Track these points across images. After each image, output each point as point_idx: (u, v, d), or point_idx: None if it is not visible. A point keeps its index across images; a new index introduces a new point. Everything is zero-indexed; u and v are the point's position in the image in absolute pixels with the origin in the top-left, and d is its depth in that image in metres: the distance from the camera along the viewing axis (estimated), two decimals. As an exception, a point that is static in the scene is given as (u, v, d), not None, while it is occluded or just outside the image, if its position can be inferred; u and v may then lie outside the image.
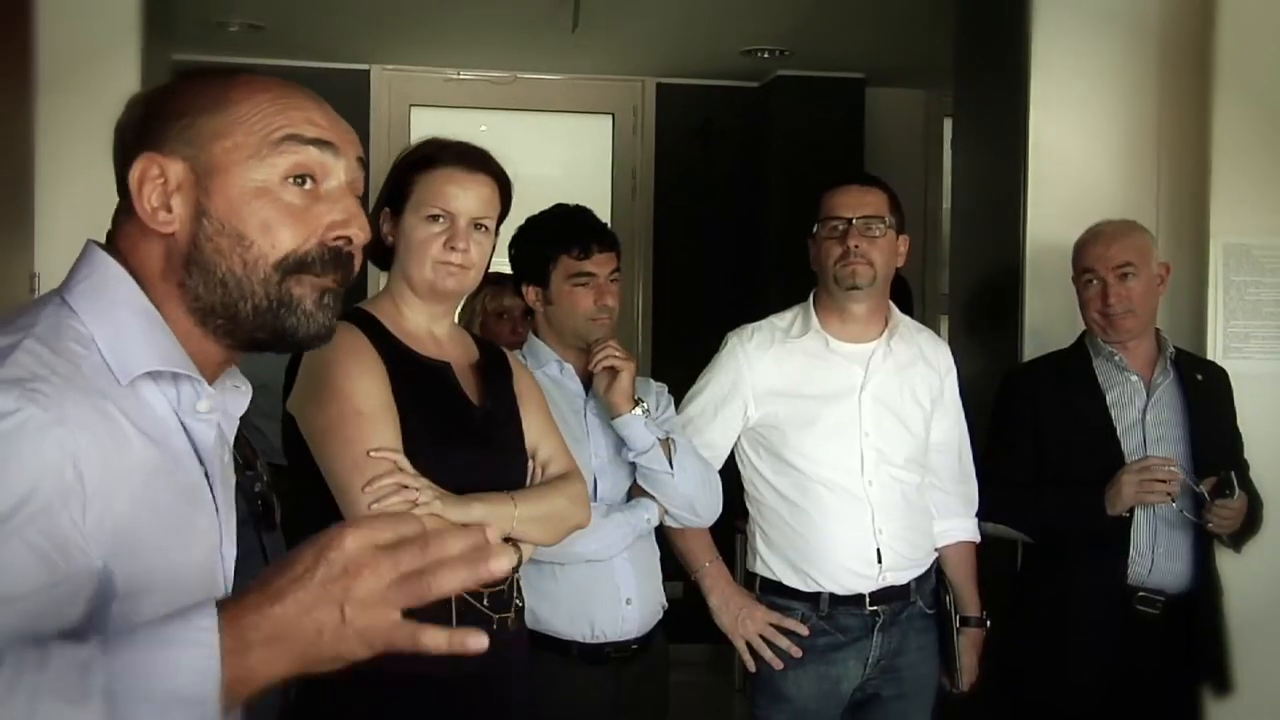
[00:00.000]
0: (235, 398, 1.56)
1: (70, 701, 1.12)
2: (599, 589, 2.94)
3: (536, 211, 3.10)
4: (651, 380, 3.22)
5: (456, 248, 2.44)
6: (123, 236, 1.46)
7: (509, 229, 2.91)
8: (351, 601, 1.18)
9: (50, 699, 1.12)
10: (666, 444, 2.97)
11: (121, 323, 1.40)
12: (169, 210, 1.43)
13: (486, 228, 2.50)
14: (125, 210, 1.46)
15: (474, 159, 2.50)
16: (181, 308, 1.45)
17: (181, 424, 1.44)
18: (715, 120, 6.95)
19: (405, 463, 2.31)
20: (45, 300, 1.43)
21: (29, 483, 1.24)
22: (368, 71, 6.59)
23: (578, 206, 3.11)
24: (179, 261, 1.44)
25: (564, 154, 7.17)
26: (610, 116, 7.09)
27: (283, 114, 1.45)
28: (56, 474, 1.26)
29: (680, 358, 3.95)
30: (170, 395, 1.43)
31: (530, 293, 3.06)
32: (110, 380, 1.37)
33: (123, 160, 1.46)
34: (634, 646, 3.00)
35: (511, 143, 6.60)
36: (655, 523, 3.03)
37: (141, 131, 1.45)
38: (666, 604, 3.12)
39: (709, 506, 3.07)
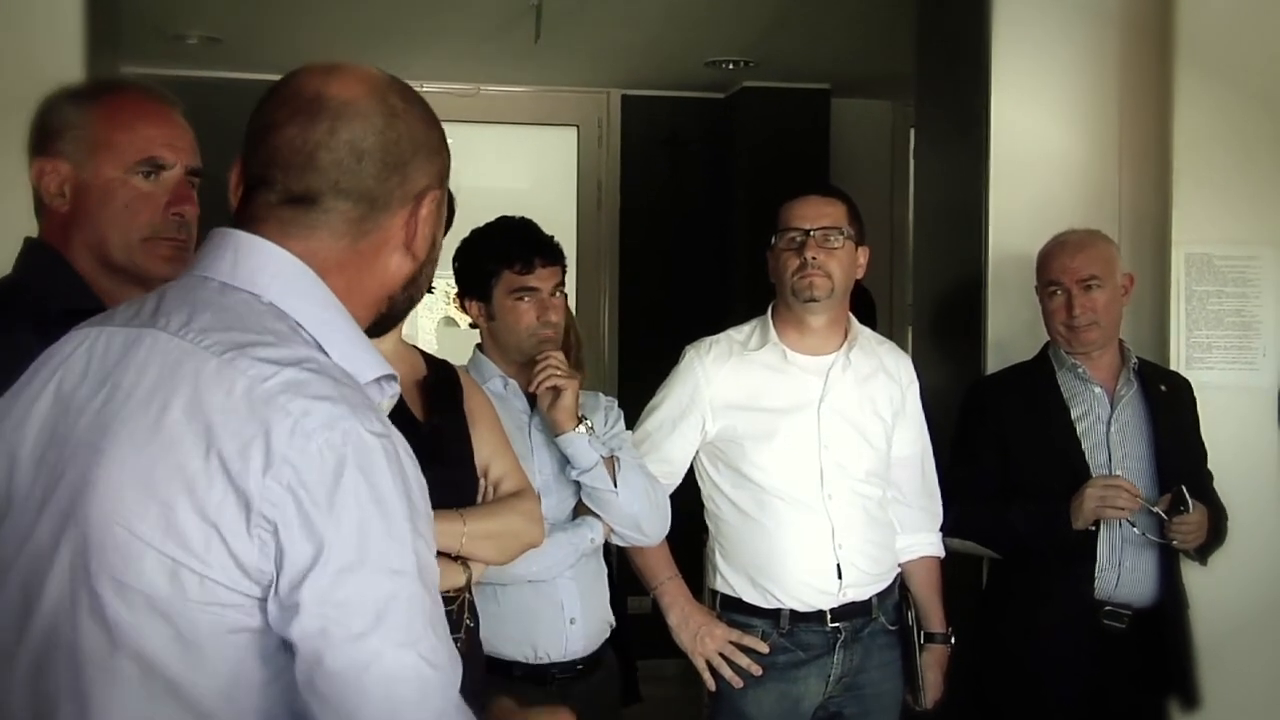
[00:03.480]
0: None
1: None
2: (542, 609, 2.90)
3: (498, 226, 3.06)
4: (601, 395, 3.18)
5: None
6: (320, 230, 1.48)
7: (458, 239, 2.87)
8: None
9: None
10: (611, 462, 2.93)
11: (340, 330, 1.47)
12: (425, 239, 1.57)
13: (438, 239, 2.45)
14: (355, 211, 1.49)
15: None
16: (373, 311, 1.56)
17: None
18: (681, 131, 6.93)
19: None
20: (217, 289, 1.45)
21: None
22: (329, 84, 6.53)
23: (522, 219, 3.06)
24: (403, 279, 1.56)
25: (529, 166, 7.16)
26: (575, 128, 7.07)
27: None
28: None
29: (647, 370, 3.91)
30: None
31: (473, 308, 3.02)
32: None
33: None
34: (579, 667, 2.95)
35: (476, 156, 6.57)
36: (600, 541, 2.99)
37: (411, 157, 1.53)
38: (614, 622, 3.08)
39: (654, 525, 3.03)
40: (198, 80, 5.91)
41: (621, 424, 3.12)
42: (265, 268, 1.46)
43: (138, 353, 1.41)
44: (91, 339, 1.48)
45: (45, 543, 1.38)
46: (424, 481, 1.43)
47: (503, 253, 2.96)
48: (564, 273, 3.03)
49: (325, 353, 1.44)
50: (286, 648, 1.36)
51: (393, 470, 1.37)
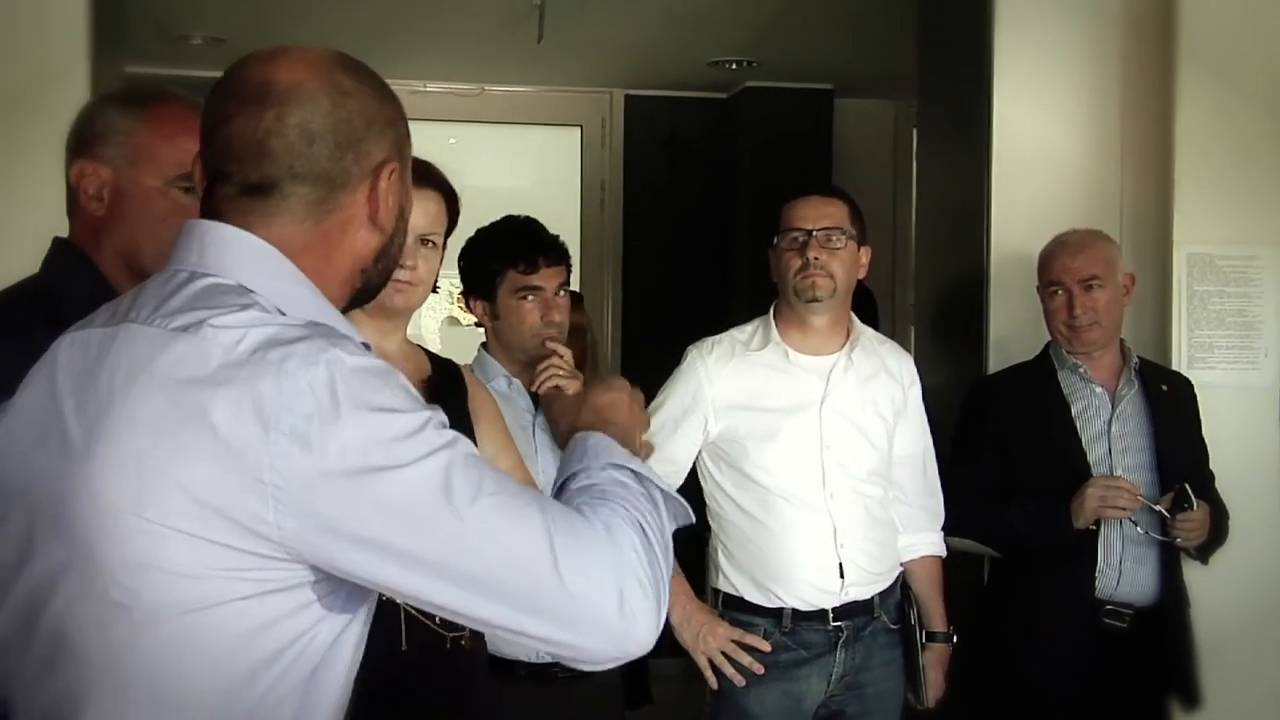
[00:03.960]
0: None
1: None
2: None
3: (502, 224, 3.07)
4: None
5: (405, 264, 2.40)
6: (282, 215, 1.50)
7: (464, 239, 2.88)
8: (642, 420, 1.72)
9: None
10: None
11: (303, 301, 1.48)
12: (390, 210, 1.58)
13: (434, 243, 2.46)
14: (314, 193, 1.50)
15: (421, 174, 2.46)
16: (346, 287, 1.57)
17: None
18: (683, 131, 6.95)
19: None
20: (185, 279, 1.47)
21: None
22: (332, 84, 6.55)
23: (527, 218, 3.07)
24: (373, 252, 1.58)
25: (532, 166, 7.18)
26: (578, 128, 7.09)
27: None
28: None
29: (650, 369, 3.90)
30: None
31: (477, 307, 3.03)
32: None
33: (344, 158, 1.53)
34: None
35: (479, 155, 6.58)
36: None
37: (364, 133, 1.53)
38: None
39: None
40: (202, 80, 5.80)
41: None
42: (230, 252, 1.48)
43: (114, 348, 1.43)
44: (77, 342, 1.50)
45: (50, 545, 1.40)
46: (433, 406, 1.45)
47: (507, 252, 2.97)
48: (569, 272, 3.04)
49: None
50: (306, 608, 1.39)
51: (385, 380, 1.39)
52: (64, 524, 1.39)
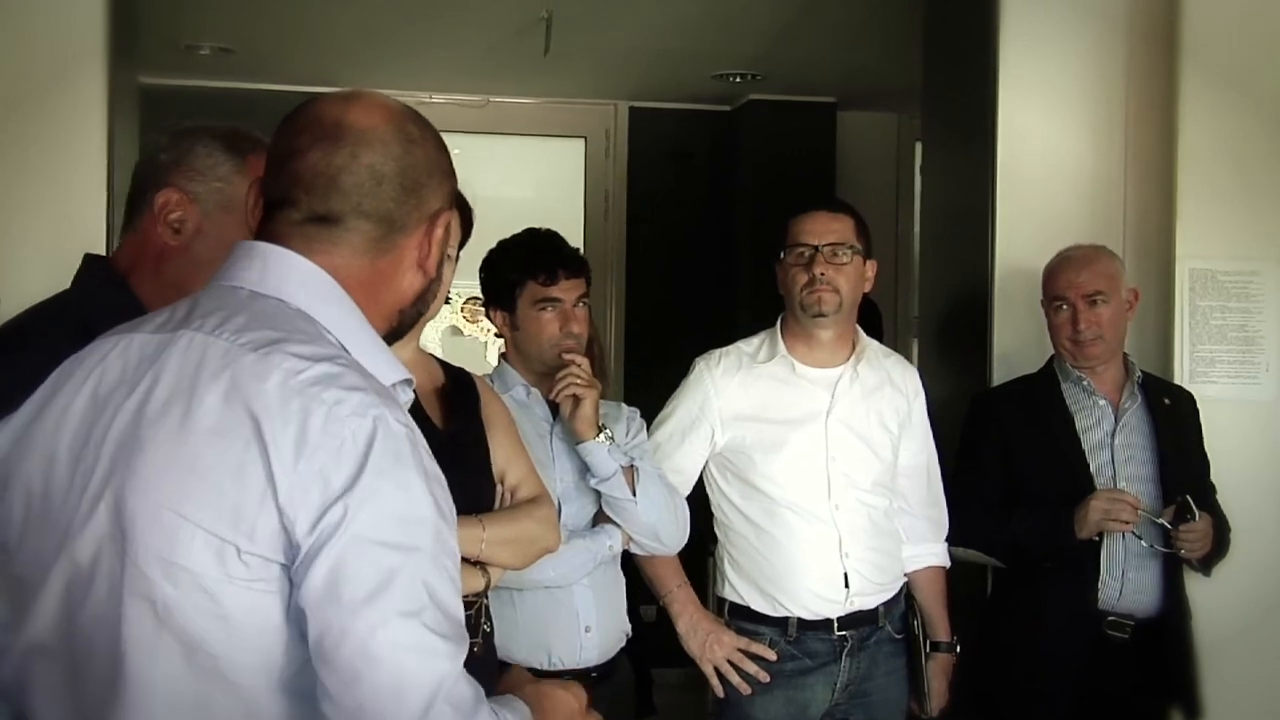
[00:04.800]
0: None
1: None
2: (557, 616, 2.91)
3: (507, 235, 3.09)
4: (624, 405, 3.21)
5: None
6: (340, 248, 1.56)
7: (478, 251, 2.90)
8: None
9: None
10: (630, 471, 2.96)
11: (362, 335, 1.55)
12: (437, 256, 1.65)
13: (449, 256, 2.49)
14: (375, 231, 1.57)
15: None
16: (387, 323, 1.63)
17: None
18: (687, 143, 6.97)
19: None
20: (246, 296, 1.52)
21: None
22: (339, 95, 6.57)
23: (548, 231, 3.09)
24: (414, 294, 1.65)
25: (536, 177, 7.19)
26: (583, 140, 7.11)
27: None
28: None
29: (652, 381, 3.94)
30: None
31: (497, 317, 3.05)
32: None
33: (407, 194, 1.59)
34: (594, 675, 2.95)
35: (484, 166, 6.60)
36: (618, 550, 3.01)
37: (426, 181, 1.61)
38: (630, 631, 3.10)
39: (673, 534, 3.05)
40: (210, 90, 5.97)
41: (644, 434, 3.15)
42: (292, 277, 1.53)
43: (174, 351, 1.48)
44: (124, 344, 1.53)
45: (88, 536, 1.44)
46: (444, 480, 1.50)
47: (527, 264, 2.99)
48: (588, 284, 3.06)
49: (350, 356, 1.51)
50: None
51: (416, 457, 1.45)
52: (101, 518, 1.43)
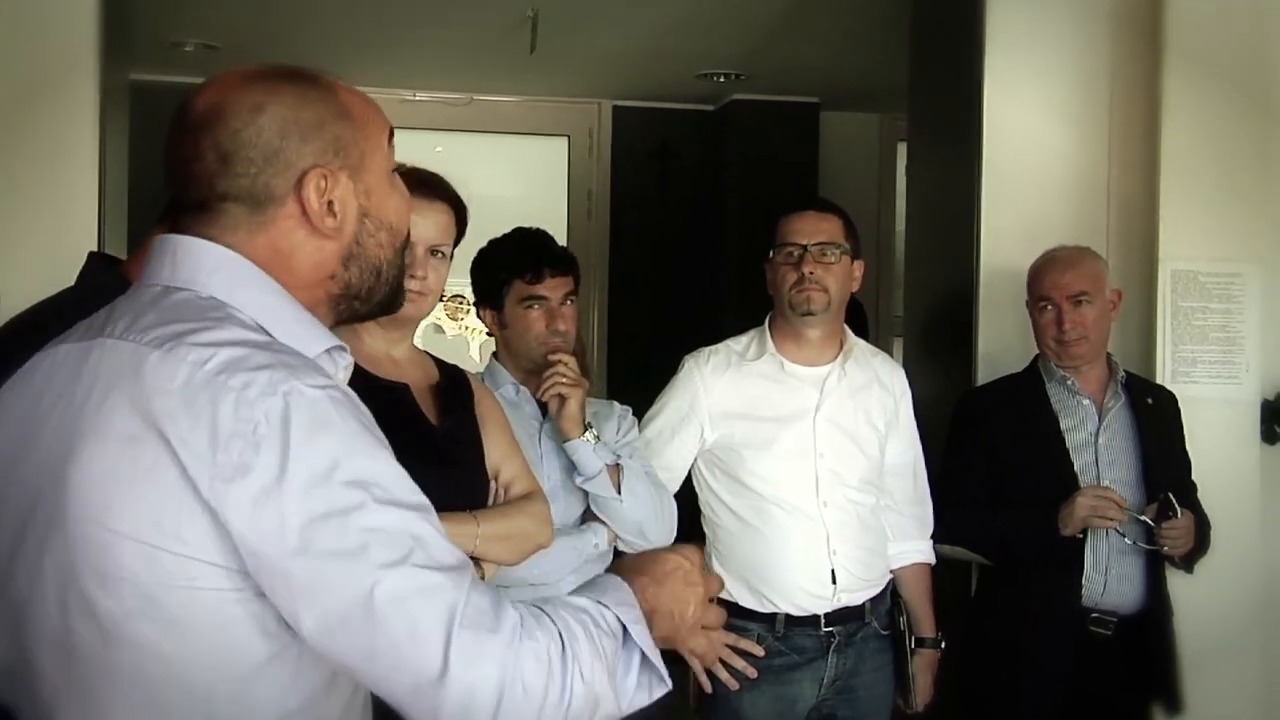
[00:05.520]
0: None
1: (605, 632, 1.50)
2: None
3: (489, 232, 3.10)
4: (616, 404, 3.22)
5: (415, 275, 2.44)
6: (230, 232, 1.52)
7: (462, 250, 2.92)
8: (701, 599, 1.67)
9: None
10: (616, 469, 2.98)
11: (279, 310, 1.52)
12: (334, 215, 1.55)
13: (443, 254, 2.51)
14: (245, 210, 1.52)
15: (431, 186, 2.50)
16: (320, 291, 1.58)
17: None
18: (671, 142, 6.99)
19: None
20: (158, 293, 1.50)
21: None
22: (323, 92, 6.56)
23: (537, 230, 3.11)
24: (336, 257, 1.58)
25: (520, 175, 7.20)
26: (566, 138, 7.13)
27: (378, 114, 1.63)
28: None
29: (635, 379, 3.96)
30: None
31: (487, 316, 3.07)
32: None
33: (246, 168, 1.51)
34: None
35: (467, 164, 6.63)
36: (604, 548, 3.01)
37: (280, 144, 1.52)
38: None
39: (660, 532, 3.06)
40: (194, 87, 5.95)
41: (635, 432, 3.16)
42: (202, 265, 1.51)
43: (89, 362, 1.46)
44: (52, 357, 1.52)
45: (29, 555, 1.43)
46: (382, 438, 1.47)
47: (514, 262, 3.01)
48: (577, 283, 3.08)
49: (268, 334, 1.48)
50: (267, 615, 1.40)
51: (340, 414, 1.41)
52: (43, 536, 1.42)
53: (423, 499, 1.46)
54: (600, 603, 1.52)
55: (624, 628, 1.52)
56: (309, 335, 1.52)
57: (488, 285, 3.06)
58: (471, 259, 3.07)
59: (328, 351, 1.54)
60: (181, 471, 1.35)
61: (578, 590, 1.57)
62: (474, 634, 1.37)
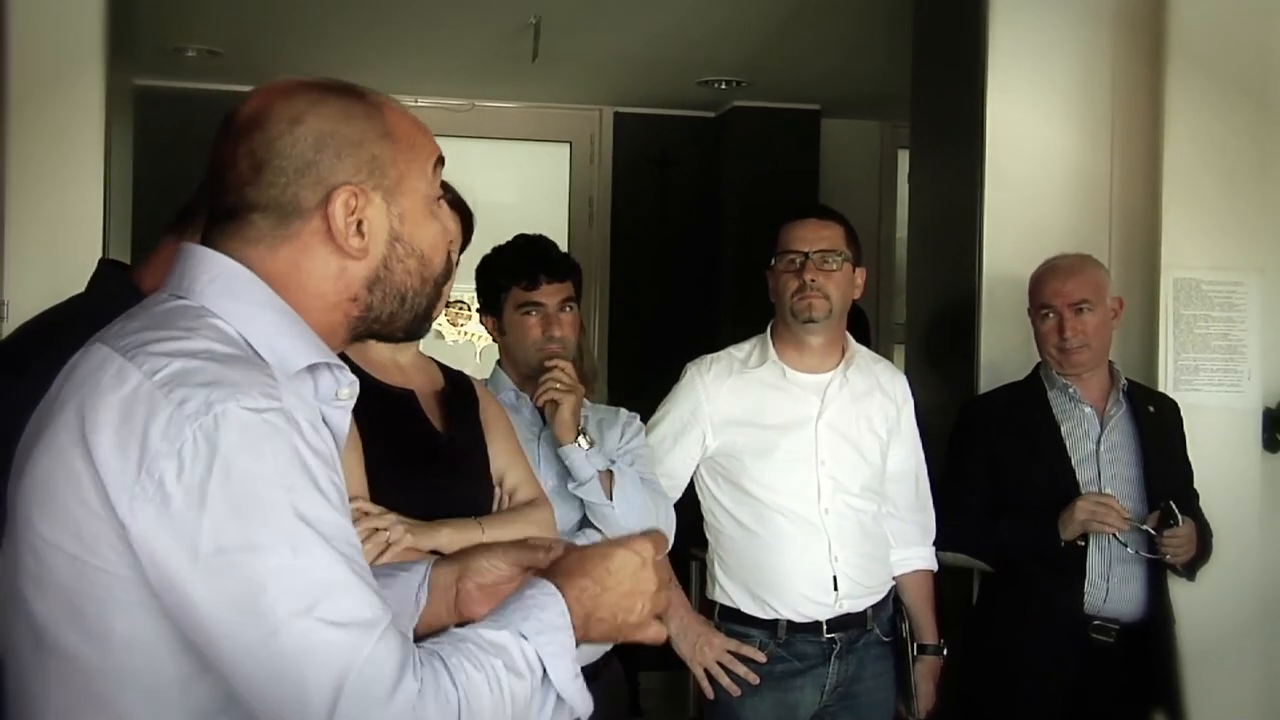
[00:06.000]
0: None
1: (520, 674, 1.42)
2: None
3: (489, 238, 3.10)
4: (623, 410, 3.22)
5: None
6: (253, 244, 1.49)
7: (465, 257, 2.93)
8: (651, 596, 1.60)
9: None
10: (608, 476, 2.98)
11: (268, 322, 1.47)
12: (362, 236, 1.50)
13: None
14: (270, 221, 1.49)
15: None
16: (339, 314, 1.54)
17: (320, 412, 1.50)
18: (672, 150, 6.99)
19: (369, 505, 2.30)
20: (161, 301, 1.49)
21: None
22: (325, 98, 6.57)
23: (538, 237, 3.13)
24: (361, 279, 1.53)
25: (521, 182, 7.19)
26: (568, 145, 7.12)
27: (426, 138, 1.58)
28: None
29: (636, 385, 3.97)
30: (309, 386, 1.50)
31: (488, 322, 3.09)
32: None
33: (279, 178, 1.49)
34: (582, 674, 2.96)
35: (469, 170, 6.66)
36: None
37: (315, 157, 1.49)
38: None
39: None
40: (197, 92, 5.98)
41: (641, 438, 3.16)
42: (205, 274, 1.49)
43: (77, 364, 1.46)
44: (70, 361, 1.51)
45: (5, 550, 1.44)
46: (329, 445, 1.43)
47: (511, 269, 3.03)
48: (577, 289, 3.09)
49: (251, 346, 1.45)
50: None
51: (274, 442, 1.35)
52: (11, 534, 1.43)
53: (351, 539, 1.38)
54: (522, 635, 1.44)
55: (543, 665, 1.45)
56: (295, 350, 1.48)
57: (488, 292, 3.08)
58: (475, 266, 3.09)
59: (324, 368, 1.51)
60: (100, 487, 1.33)
61: (511, 601, 1.48)
62: (360, 704, 1.30)
